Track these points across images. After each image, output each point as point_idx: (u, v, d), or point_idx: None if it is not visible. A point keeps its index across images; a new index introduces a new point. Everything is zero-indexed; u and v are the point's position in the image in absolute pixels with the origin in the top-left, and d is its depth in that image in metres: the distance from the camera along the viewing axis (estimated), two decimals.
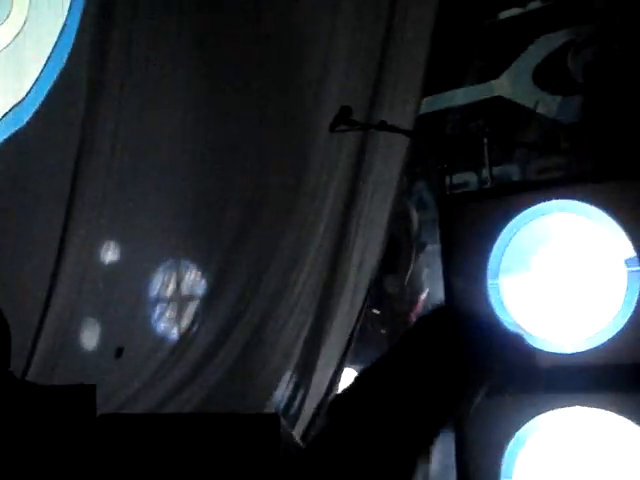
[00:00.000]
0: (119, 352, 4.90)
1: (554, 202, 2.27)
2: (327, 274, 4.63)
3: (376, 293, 5.39)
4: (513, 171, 6.55)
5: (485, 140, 4.12)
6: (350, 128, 3.67)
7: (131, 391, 4.78)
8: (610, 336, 2.14)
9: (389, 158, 4.51)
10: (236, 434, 2.53)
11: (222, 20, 5.17)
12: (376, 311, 5.54)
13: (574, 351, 2.19)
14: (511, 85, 6.77)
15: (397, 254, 5.21)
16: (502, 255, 2.32)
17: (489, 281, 2.32)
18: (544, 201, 2.28)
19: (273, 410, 4.43)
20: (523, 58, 6.69)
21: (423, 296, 5.10)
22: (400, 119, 4.32)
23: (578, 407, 2.17)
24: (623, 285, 2.15)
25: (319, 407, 4.65)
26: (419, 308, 5.25)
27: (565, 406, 2.19)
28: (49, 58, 6.06)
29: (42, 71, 6.08)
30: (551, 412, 2.20)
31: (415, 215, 5.13)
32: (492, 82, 6.80)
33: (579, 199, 2.24)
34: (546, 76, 6.49)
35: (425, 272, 5.28)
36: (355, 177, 4.59)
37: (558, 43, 6.45)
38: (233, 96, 5.02)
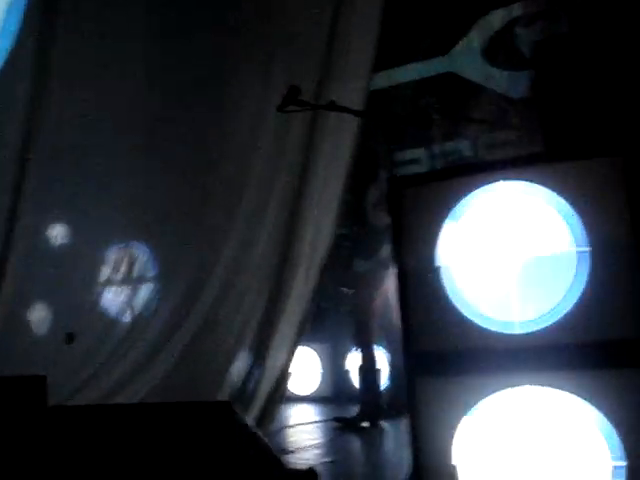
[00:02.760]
0: (70, 338, 4.83)
1: (503, 183, 2.27)
2: (280, 255, 4.62)
3: (347, 273, 5.44)
4: (464, 147, 6.59)
5: (435, 116, 4.12)
6: (299, 109, 3.63)
7: (84, 377, 4.73)
8: (559, 316, 2.16)
9: (340, 138, 4.49)
10: (188, 422, 2.51)
11: None
12: (346, 290, 5.59)
13: (523, 331, 2.21)
14: (461, 60, 6.79)
15: (367, 236, 5.23)
16: (451, 236, 2.32)
17: (439, 263, 2.33)
18: (493, 182, 2.28)
19: (228, 393, 4.42)
20: (473, 34, 6.71)
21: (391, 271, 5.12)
22: (350, 97, 4.29)
23: (527, 386, 2.19)
24: (572, 265, 2.17)
25: (275, 387, 4.65)
26: (390, 284, 5.27)
27: (515, 385, 2.20)
28: None
29: None
30: (501, 392, 2.22)
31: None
32: (442, 58, 6.81)
33: (528, 180, 2.24)
34: (495, 51, 6.52)
35: None
36: (305, 157, 4.56)
37: (507, 18, 6.48)
38: (179, 73, 4.95)
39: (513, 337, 2.22)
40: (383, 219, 5.18)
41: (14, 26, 5.79)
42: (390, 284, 5.31)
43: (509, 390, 2.22)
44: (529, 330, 2.20)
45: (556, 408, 2.16)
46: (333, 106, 3.66)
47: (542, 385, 2.18)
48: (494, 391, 2.24)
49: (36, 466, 2.54)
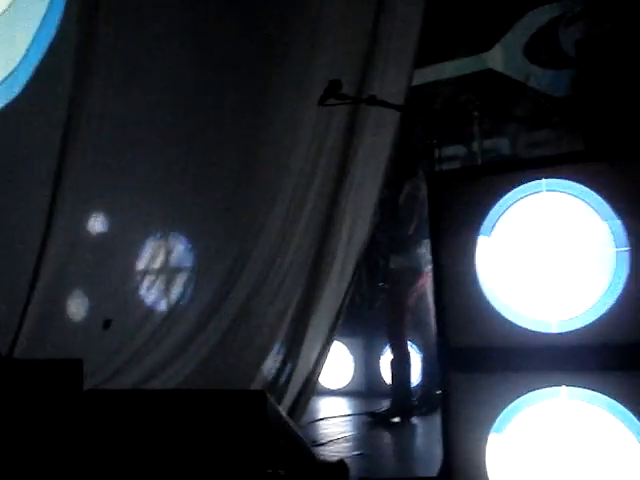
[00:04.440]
0: (107, 324, 4.90)
1: (543, 181, 2.26)
2: (315, 249, 4.63)
3: (382, 269, 5.44)
4: (503, 145, 6.55)
5: (475, 113, 4.11)
6: (340, 102, 3.64)
7: (119, 363, 4.79)
8: (597, 316, 2.15)
9: (379, 132, 4.48)
10: (222, 410, 2.54)
11: None
12: (381, 285, 5.59)
13: (561, 330, 2.20)
14: (502, 58, 6.75)
15: (402, 233, 5.23)
16: (490, 234, 2.31)
17: (477, 260, 2.32)
18: (533, 180, 2.27)
19: (261, 384, 4.44)
20: (515, 31, 6.66)
21: (429, 268, 5.11)
22: (391, 92, 4.29)
23: (564, 386, 2.18)
24: (611, 265, 2.15)
25: (307, 380, 4.67)
26: (425, 281, 5.27)
27: (551, 385, 2.19)
28: (38, 31, 6.03)
29: (31, 44, 6.06)
30: (537, 391, 2.21)
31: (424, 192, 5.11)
32: (483, 55, 6.77)
33: (569, 178, 2.23)
34: (537, 49, 6.47)
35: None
36: (345, 152, 4.56)
37: (550, 16, 6.42)
38: (221, 71, 4.98)
39: (549, 336, 2.21)
40: (417, 215, 5.17)
41: (56, 17, 5.88)
42: (425, 281, 5.30)
43: (544, 390, 2.21)
44: (566, 329, 2.19)
45: (591, 409, 2.14)
46: (373, 100, 3.67)
47: (577, 385, 2.16)
48: (529, 390, 2.23)
49: (70, 447, 2.58)
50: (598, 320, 2.15)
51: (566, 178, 2.23)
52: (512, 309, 2.27)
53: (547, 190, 2.26)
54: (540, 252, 2.25)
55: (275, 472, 2.46)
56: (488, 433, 2.28)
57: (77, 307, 5.27)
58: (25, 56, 6.18)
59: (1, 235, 5.65)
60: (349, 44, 4.59)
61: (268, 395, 2.53)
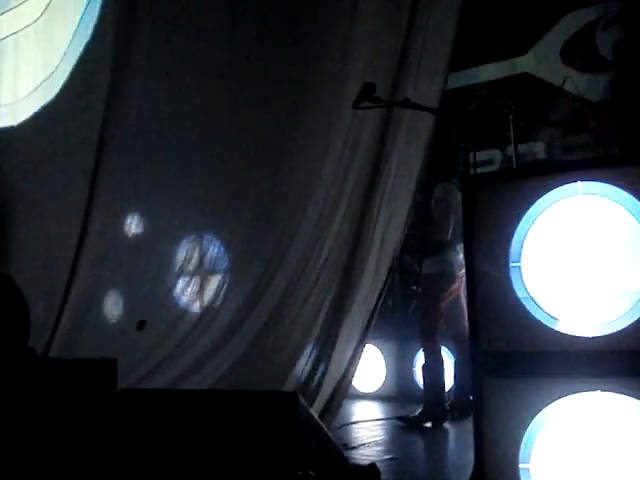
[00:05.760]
0: (141, 325, 4.94)
1: (579, 184, 2.24)
2: (349, 251, 4.62)
3: (415, 272, 5.43)
4: (539, 149, 6.50)
5: (511, 117, 4.08)
6: (374, 105, 3.63)
7: (153, 364, 4.82)
8: (633, 320, 2.12)
9: (413, 135, 4.47)
10: (254, 411, 2.54)
11: None
12: (414, 288, 5.58)
13: (596, 335, 2.17)
14: (538, 62, 6.70)
15: (435, 237, 5.21)
16: (525, 237, 2.29)
17: (511, 263, 2.30)
18: (569, 183, 2.25)
19: (293, 385, 4.44)
20: (551, 35, 6.61)
21: (463, 272, 5.08)
22: (425, 95, 4.27)
23: (599, 392, 2.15)
24: None
25: (339, 383, 4.66)
26: (458, 285, 5.25)
27: (586, 390, 2.17)
28: (76, 32, 6.11)
29: (69, 45, 6.14)
30: (572, 396, 2.19)
31: (457, 196, 5.08)
32: (519, 59, 6.72)
33: (605, 181, 2.20)
34: (574, 53, 6.41)
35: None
36: (378, 155, 4.55)
37: (586, 20, 6.36)
38: (255, 73, 5.00)
39: (585, 341, 2.19)
40: (452, 219, 5.14)
41: (93, 18, 5.95)
42: (459, 285, 5.27)
43: (579, 395, 2.18)
44: (601, 334, 2.17)
45: (627, 415, 2.12)
46: (407, 103, 3.66)
47: (612, 391, 2.14)
48: (564, 395, 2.20)
49: (104, 445, 2.60)
50: (634, 325, 2.12)
51: (602, 181, 2.21)
52: (547, 313, 2.25)
53: (583, 193, 2.23)
54: (575, 256, 2.23)
55: (306, 474, 2.46)
56: (521, 438, 2.25)
57: (112, 308, 5.32)
58: (63, 59, 6.26)
59: (38, 235, 5.73)
60: (383, 47, 4.58)
61: (300, 397, 2.53)
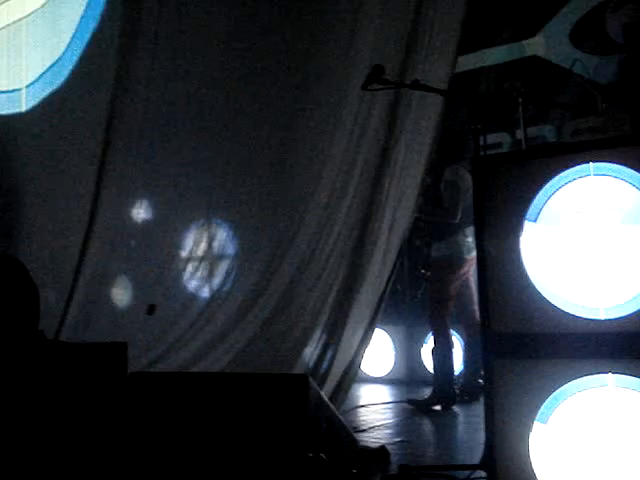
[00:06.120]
0: (151, 309, 4.95)
1: (591, 165, 2.22)
2: (358, 235, 4.60)
3: (425, 256, 5.42)
4: (548, 132, 6.47)
5: (520, 100, 4.05)
6: (383, 87, 3.61)
7: (163, 348, 4.83)
8: None
9: (422, 117, 4.44)
10: (265, 394, 2.55)
11: None
12: (423, 272, 5.57)
13: (607, 317, 2.16)
14: (547, 44, 6.66)
15: (444, 220, 5.19)
16: (536, 219, 2.28)
17: (522, 245, 2.29)
18: (580, 164, 2.23)
19: (302, 369, 4.45)
20: (560, 17, 6.56)
21: (472, 255, 5.07)
22: (434, 77, 4.24)
23: (611, 374, 2.14)
24: None
25: (348, 367, 4.66)
26: (468, 268, 5.24)
27: (597, 372, 2.16)
28: (82, 19, 6.10)
29: (76, 30, 6.13)
30: (583, 378, 2.18)
31: (467, 178, 5.07)
32: (528, 41, 6.69)
33: (617, 162, 2.19)
34: (583, 35, 6.37)
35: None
36: (387, 138, 4.53)
37: (596, 1, 6.32)
38: (261, 57, 4.98)
39: (597, 323, 2.18)
40: (462, 202, 5.13)
41: (99, 5, 5.94)
42: (468, 268, 5.26)
43: (590, 377, 2.18)
44: (613, 316, 2.16)
45: (638, 397, 2.11)
46: (417, 85, 3.64)
47: (624, 373, 2.13)
48: (575, 377, 2.20)
49: (115, 428, 2.61)
50: None
51: (614, 162, 2.19)
52: (558, 295, 2.24)
53: (595, 174, 2.22)
54: (587, 237, 2.22)
55: (316, 456, 2.47)
56: (532, 421, 2.25)
57: (121, 293, 5.33)
58: (69, 44, 6.25)
59: (47, 221, 5.74)
60: (391, 28, 4.54)
61: (310, 379, 2.53)
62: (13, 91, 6.63)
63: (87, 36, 6.12)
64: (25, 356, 2.18)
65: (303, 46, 4.85)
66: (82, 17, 6.19)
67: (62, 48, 6.31)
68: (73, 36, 6.24)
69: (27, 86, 6.54)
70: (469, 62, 6.42)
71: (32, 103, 6.45)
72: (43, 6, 6.52)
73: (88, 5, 6.16)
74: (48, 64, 6.40)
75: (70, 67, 6.22)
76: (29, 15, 6.60)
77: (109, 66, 5.58)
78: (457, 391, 5.35)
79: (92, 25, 6.11)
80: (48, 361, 2.26)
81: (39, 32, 6.53)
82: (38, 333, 2.25)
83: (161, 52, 5.35)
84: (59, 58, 6.34)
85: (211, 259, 5.23)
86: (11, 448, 2.15)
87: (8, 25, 6.72)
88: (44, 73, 6.42)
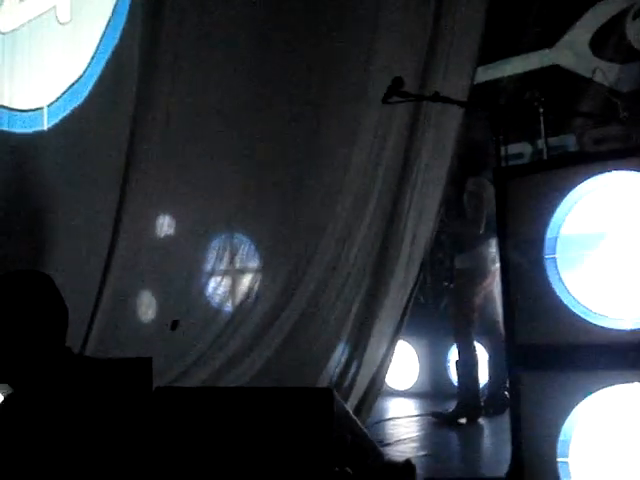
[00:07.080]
0: (174, 325, 4.96)
1: (613, 174, 2.21)
2: (379, 248, 4.60)
3: (448, 269, 5.41)
4: (570, 141, 6.44)
5: (541, 110, 4.04)
6: (403, 100, 3.62)
7: (187, 363, 4.84)
8: None
9: (442, 129, 4.43)
10: (290, 408, 2.54)
11: None
12: (446, 284, 5.56)
13: (633, 327, 2.15)
14: (567, 54, 6.63)
15: (468, 231, 5.18)
16: (559, 228, 2.27)
17: (546, 255, 2.28)
18: (602, 173, 2.22)
19: (326, 383, 4.44)
20: (580, 25, 6.54)
21: (496, 266, 5.04)
22: (454, 89, 4.24)
23: (637, 384, 2.12)
24: None
25: (372, 380, 4.64)
26: (491, 279, 5.21)
27: (624, 382, 2.14)
28: (103, 36, 6.16)
29: (97, 49, 6.19)
30: (609, 388, 2.16)
31: (490, 189, 5.05)
32: (548, 50, 6.67)
33: (639, 171, 2.18)
34: (603, 43, 6.34)
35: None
36: (407, 150, 4.52)
37: (616, 9, 6.29)
38: (283, 69, 5.00)
39: (623, 333, 2.16)
40: (485, 213, 5.11)
41: (120, 22, 6.00)
42: (492, 280, 5.24)
43: (617, 387, 2.16)
44: (639, 326, 2.14)
45: None
46: (437, 97, 3.64)
47: None
48: (601, 388, 2.18)
49: (140, 446, 2.62)
50: None
51: (636, 170, 2.18)
52: (583, 305, 2.23)
53: (616, 184, 2.21)
54: (612, 247, 2.20)
55: (342, 470, 2.46)
56: (559, 432, 2.23)
57: (145, 307, 5.36)
58: (90, 62, 6.32)
59: (71, 236, 5.79)
60: (410, 40, 4.55)
61: (335, 393, 2.52)
62: (35, 110, 6.70)
63: (107, 54, 6.18)
64: (54, 372, 2.20)
65: (322, 62, 4.87)
66: (103, 36, 6.25)
67: (83, 66, 6.38)
68: (94, 54, 6.30)
69: (48, 105, 6.61)
70: (489, 73, 6.41)
71: (53, 121, 6.51)
72: (64, 25, 6.60)
73: (109, 24, 6.22)
74: (69, 83, 6.47)
75: (91, 85, 6.28)
76: (51, 34, 6.68)
77: (130, 84, 5.63)
78: (482, 404, 5.32)
79: (112, 43, 6.17)
80: (75, 377, 2.27)
81: (60, 51, 6.61)
82: (66, 349, 2.26)
83: (181, 69, 5.39)
84: (80, 76, 6.40)
85: (233, 274, 5.24)
86: (42, 464, 2.17)
87: (30, 44, 6.81)
88: (65, 91, 6.49)
